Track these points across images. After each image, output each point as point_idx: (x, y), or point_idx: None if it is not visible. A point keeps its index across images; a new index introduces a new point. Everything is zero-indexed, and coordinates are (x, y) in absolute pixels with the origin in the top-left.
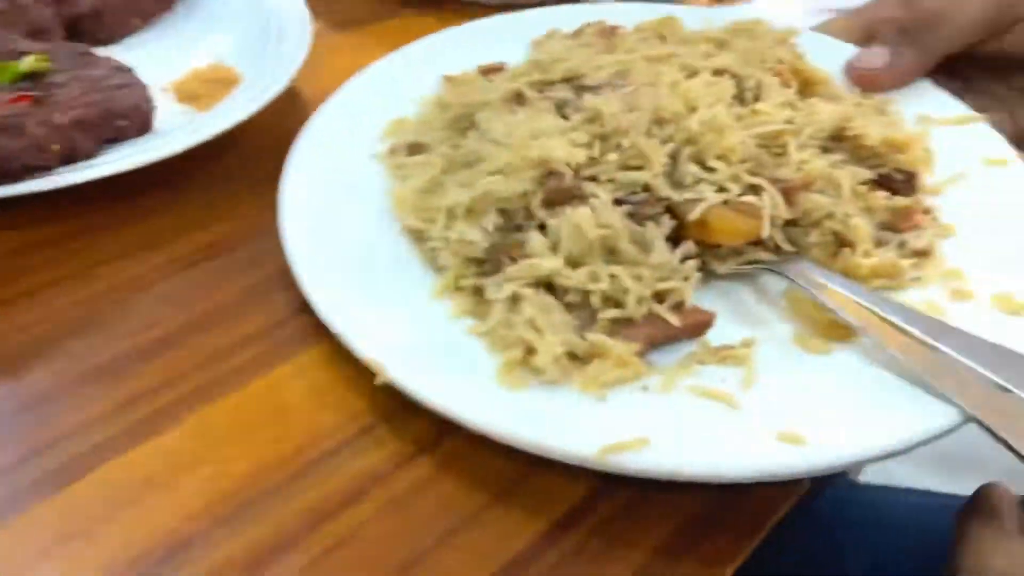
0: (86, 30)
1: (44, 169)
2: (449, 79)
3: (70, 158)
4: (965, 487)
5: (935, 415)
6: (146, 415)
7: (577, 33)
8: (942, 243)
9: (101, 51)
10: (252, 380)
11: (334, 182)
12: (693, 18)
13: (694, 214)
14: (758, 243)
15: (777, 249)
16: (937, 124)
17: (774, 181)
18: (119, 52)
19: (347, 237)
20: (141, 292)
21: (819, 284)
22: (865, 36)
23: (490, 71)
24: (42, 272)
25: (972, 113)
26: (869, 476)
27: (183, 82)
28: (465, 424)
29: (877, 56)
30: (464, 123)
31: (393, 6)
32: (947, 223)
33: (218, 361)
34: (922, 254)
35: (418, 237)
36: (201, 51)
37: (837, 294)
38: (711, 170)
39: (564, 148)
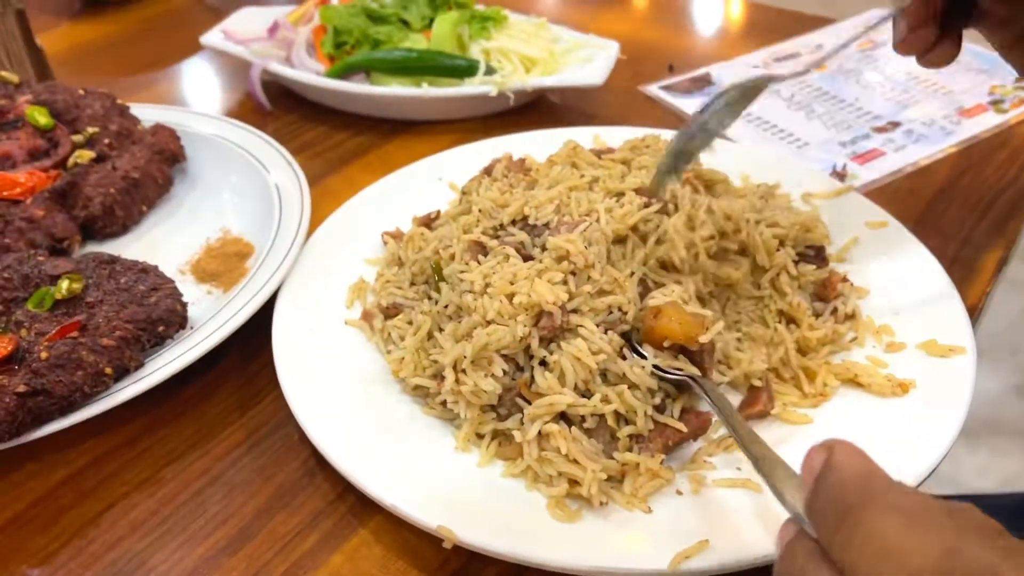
0: (100, 228)
1: (103, 391)
2: (390, 235)
3: (123, 373)
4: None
5: (917, 462)
6: None
7: (490, 170)
8: (862, 303)
9: (117, 244)
10: (330, 557)
11: (322, 359)
12: (585, 137)
13: (653, 300)
14: (692, 358)
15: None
16: (819, 198)
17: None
18: (133, 240)
19: (361, 411)
20: (211, 486)
21: (723, 407)
22: None
23: (428, 222)
24: (118, 482)
25: (845, 185)
26: None
27: (199, 261)
28: (546, 567)
29: None
30: (426, 276)
31: (375, 137)
32: (860, 286)
33: (295, 544)
34: (851, 317)
35: (422, 392)
36: (207, 223)
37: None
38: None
39: (550, 290)
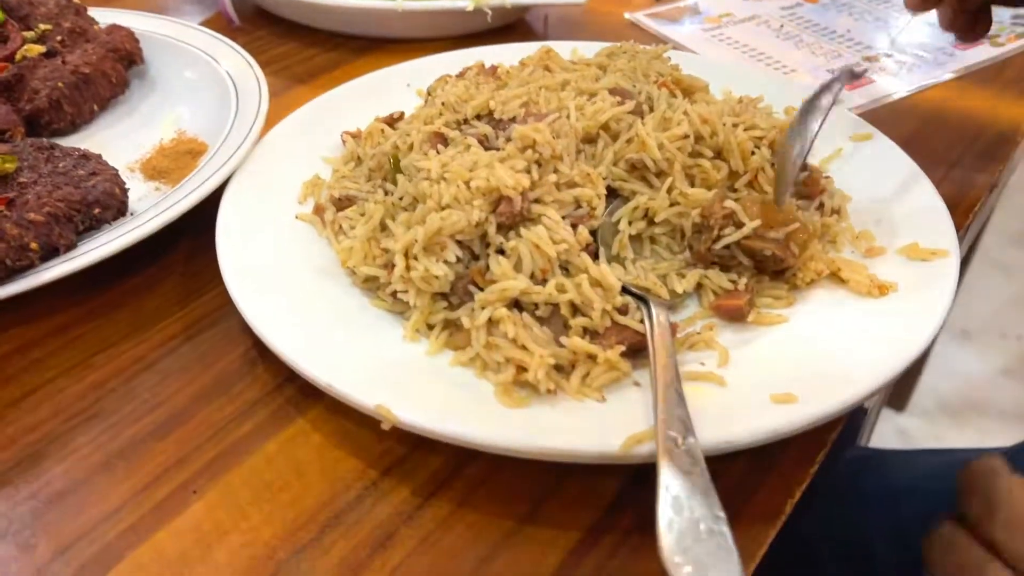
0: (46, 123)
1: (28, 267)
2: (350, 135)
3: (51, 252)
4: (974, 435)
5: (892, 356)
6: (167, 494)
7: (461, 75)
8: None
9: (65, 142)
10: (264, 444)
11: (268, 251)
12: (563, 51)
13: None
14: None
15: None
16: None
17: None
18: (82, 139)
19: (306, 301)
20: (144, 372)
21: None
22: None
23: (391, 121)
24: (44, 368)
25: None
26: (886, 440)
27: (150, 159)
28: (488, 448)
29: None
30: (384, 170)
31: (345, 54)
32: (843, 191)
33: (228, 430)
34: (837, 212)
35: (373, 284)
36: (162, 125)
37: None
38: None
39: (511, 175)
